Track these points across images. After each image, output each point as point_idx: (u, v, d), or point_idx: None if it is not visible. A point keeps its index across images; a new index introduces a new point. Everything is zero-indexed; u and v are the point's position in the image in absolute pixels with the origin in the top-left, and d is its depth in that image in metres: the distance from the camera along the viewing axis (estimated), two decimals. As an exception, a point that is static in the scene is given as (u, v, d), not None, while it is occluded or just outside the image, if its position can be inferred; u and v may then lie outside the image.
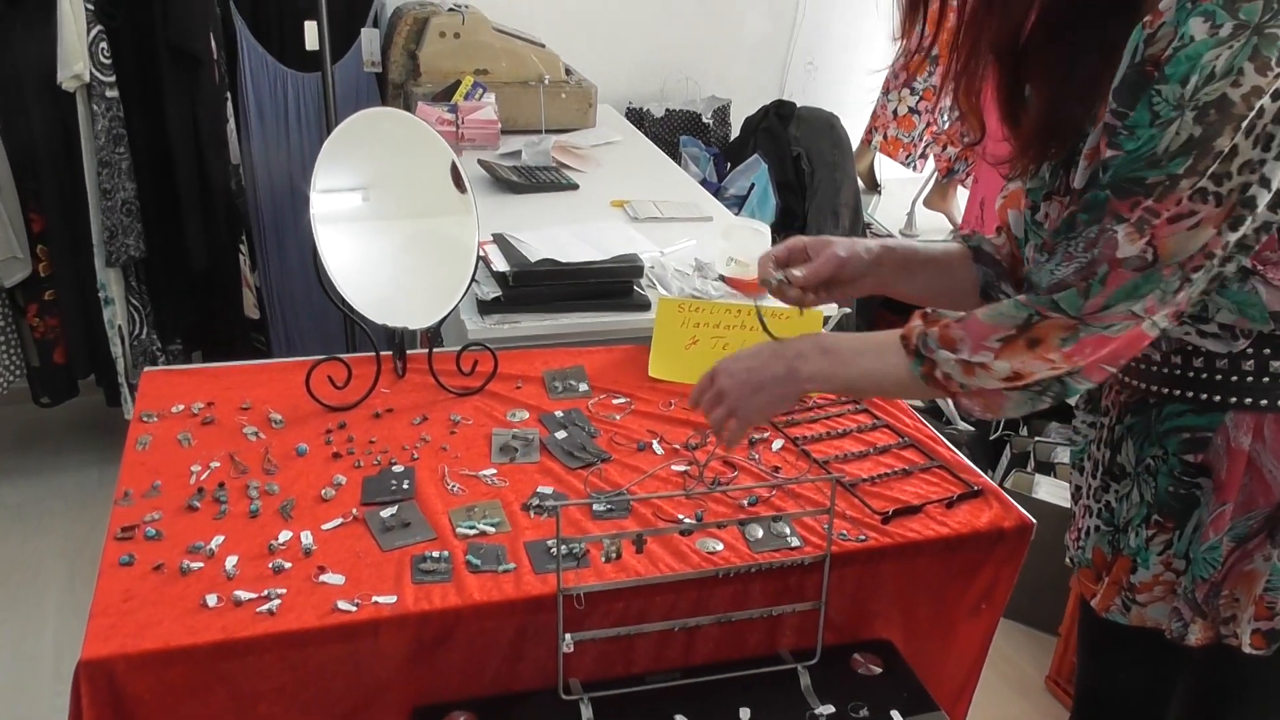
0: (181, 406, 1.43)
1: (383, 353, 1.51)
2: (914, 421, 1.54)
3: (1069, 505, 2.20)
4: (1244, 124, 0.78)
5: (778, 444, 1.45)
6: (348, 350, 2.50)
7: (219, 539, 1.16)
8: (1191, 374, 0.95)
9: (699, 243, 2.06)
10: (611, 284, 1.75)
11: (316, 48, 2.56)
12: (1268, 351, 0.91)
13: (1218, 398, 0.94)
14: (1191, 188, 0.81)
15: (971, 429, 2.63)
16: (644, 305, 1.76)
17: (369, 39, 2.83)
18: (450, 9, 2.77)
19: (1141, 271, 0.84)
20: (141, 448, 1.33)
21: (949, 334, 0.96)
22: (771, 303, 1.78)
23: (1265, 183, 0.81)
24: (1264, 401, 0.92)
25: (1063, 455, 2.41)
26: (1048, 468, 2.40)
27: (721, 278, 1.87)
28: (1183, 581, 0.99)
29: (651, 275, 1.84)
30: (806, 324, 1.63)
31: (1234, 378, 0.93)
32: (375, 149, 1.50)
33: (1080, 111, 0.92)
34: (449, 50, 2.73)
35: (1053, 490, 2.27)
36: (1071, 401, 1.05)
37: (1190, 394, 0.96)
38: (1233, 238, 0.83)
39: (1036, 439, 2.49)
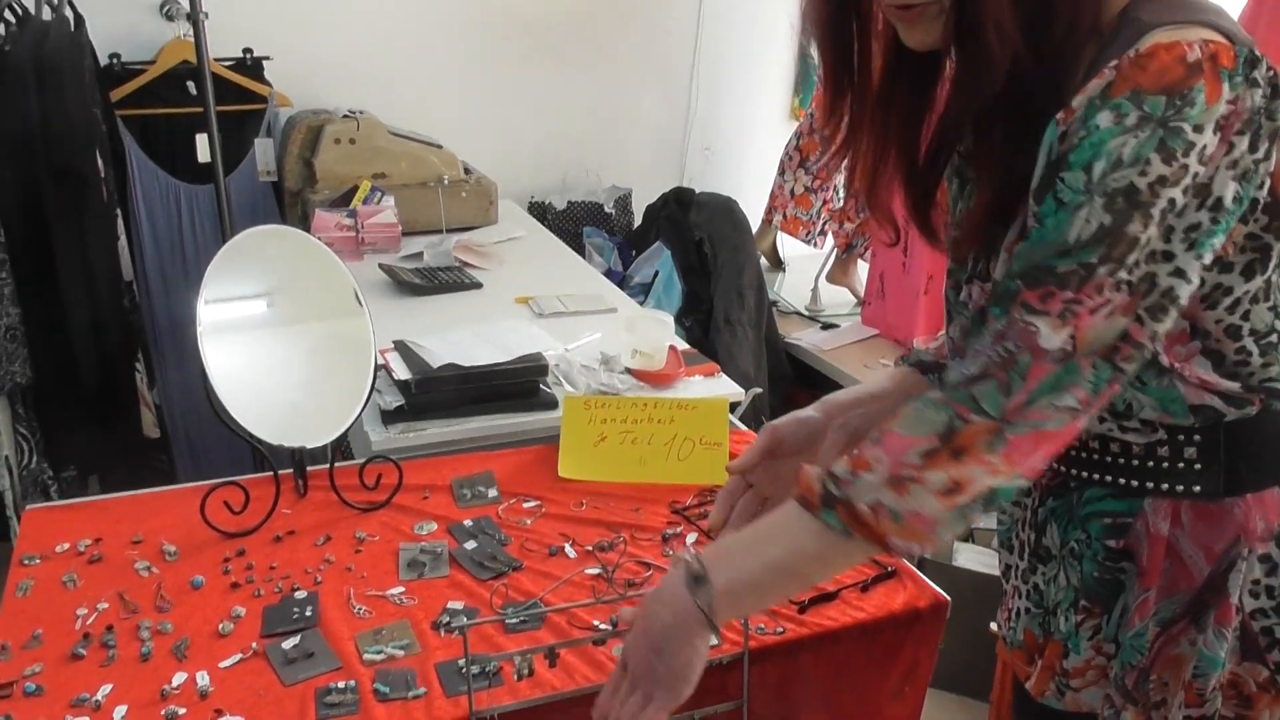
0: (66, 545, 1.36)
1: (282, 471, 1.47)
2: (825, 503, 1.54)
3: (991, 573, 2.23)
4: (1154, 213, 0.78)
5: (691, 537, 1.44)
6: (256, 465, 2.42)
7: (106, 688, 1.10)
8: (1109, 459, 0.96)
9: (604, 335, 2.06)
10: (517, 385, 1.73)
11: (209, 160, 2.54)
12: (1181, 438, 0.92)
13: (1135, 483, 0.95)
14: (1111, 275, 0.79)
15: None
16: (551, 404, 1.75)
17: (263, 149, 2.81)
18: (345, 115, 2.78)
19: (1062, 363, 0.80)
20: (22, 594, 1.26)
21: (861, 458, 0.83)
22: (680, 392, 1.79)
23: (1181, 274, 0.81)
24: (1180, 488, 0.93)
25: (979, 520, 2.44)
26: (965, 535, 2.43)
27: (628, 370, 1.88)
28: (1114, 667, 0.99)
29: (557, 372, 1.83)
30: (712, 410, 1.64)
31: (1150, 463, 0.94)
32: (265, 264, 1.48)
33: (1020, 207, 0.90)
34: (345, 156, 2.73)
35: (972, 557, 2.29)
36: None
37: (1109, 478, 0.96)
38: (1159, 328, 0.82)
39: (951, 505, 2.52)
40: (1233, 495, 0.92)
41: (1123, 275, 0.79)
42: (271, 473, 1.46)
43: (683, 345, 2.03)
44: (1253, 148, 0.81)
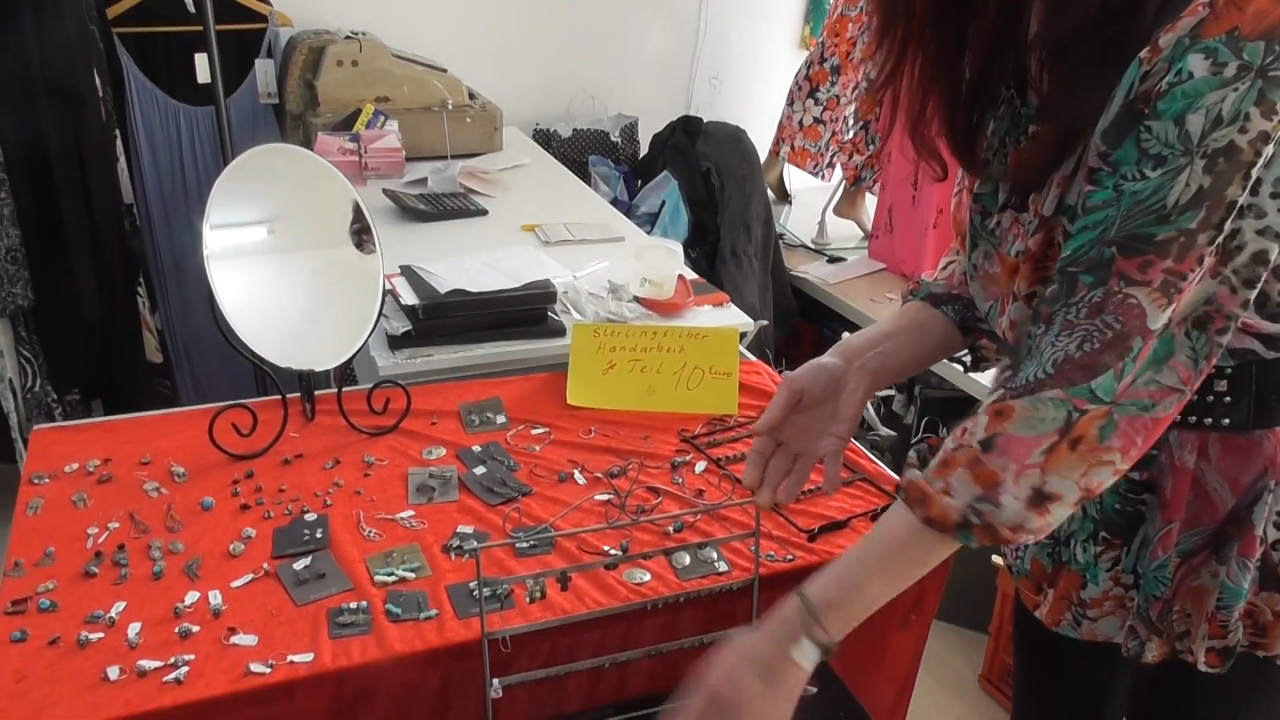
0: (76, 465, 1.35)
1: (290, 395, 1.46)
2: (835, 434, 1.54)
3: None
4: (1254, 173, 0.75)
5: (700, 466, 1.44)
6: (259, 390, 2.43)
7: (120, 605, 1.10)
8: None
9: (612, 264, 2.04)
10: (525, 312, 1.72)
11: (209, 80, 2.48)
12: (1212, 374, 0.90)
13: None
14: (1211, 243, 0.76)
15: (893, 434, 2.66)
16: (559, 331, 1.73)
17: (263, 70, 2.75)
18: (347, 36, 2.72)
19: (1162, 335, 0.78)
20: (33, 512, 1.26)
21: (983, 472, 0.80)
22: (688, 321, 1.78)
23: (1272, 234, 0.78)
24: (1208, 420, 0.91)
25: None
26: (968, 468, 2.43)
27: (636, 299, 1.86)
28: (1135, 599, 0.99)
29: (565, 300, 1.82)
30: (722, 340, 1.63)
31: None
32: (270, 186, 1.45)
33: (1077, 142, 0.86)
34: (348, 79, 2.68)
35: (974, 490, 2.30)
36: None
37: None
38: (1251, 295, 0.80)
39: (955, 440, 2.52)
40: (1262, 428, 0.91)
41: (1217, 238, 0.76)
42: (279, 396, 1.45)
43: (691, 275, 2.01)
44: None
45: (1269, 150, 0.75)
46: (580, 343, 1.62)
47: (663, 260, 1.90)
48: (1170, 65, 0.75)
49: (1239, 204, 0.76)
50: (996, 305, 0.99)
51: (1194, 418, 0.92)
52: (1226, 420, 0.91)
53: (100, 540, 1.21)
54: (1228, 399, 0.91)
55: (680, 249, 1.96)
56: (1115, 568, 0.99)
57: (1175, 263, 0.76)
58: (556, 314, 1.77)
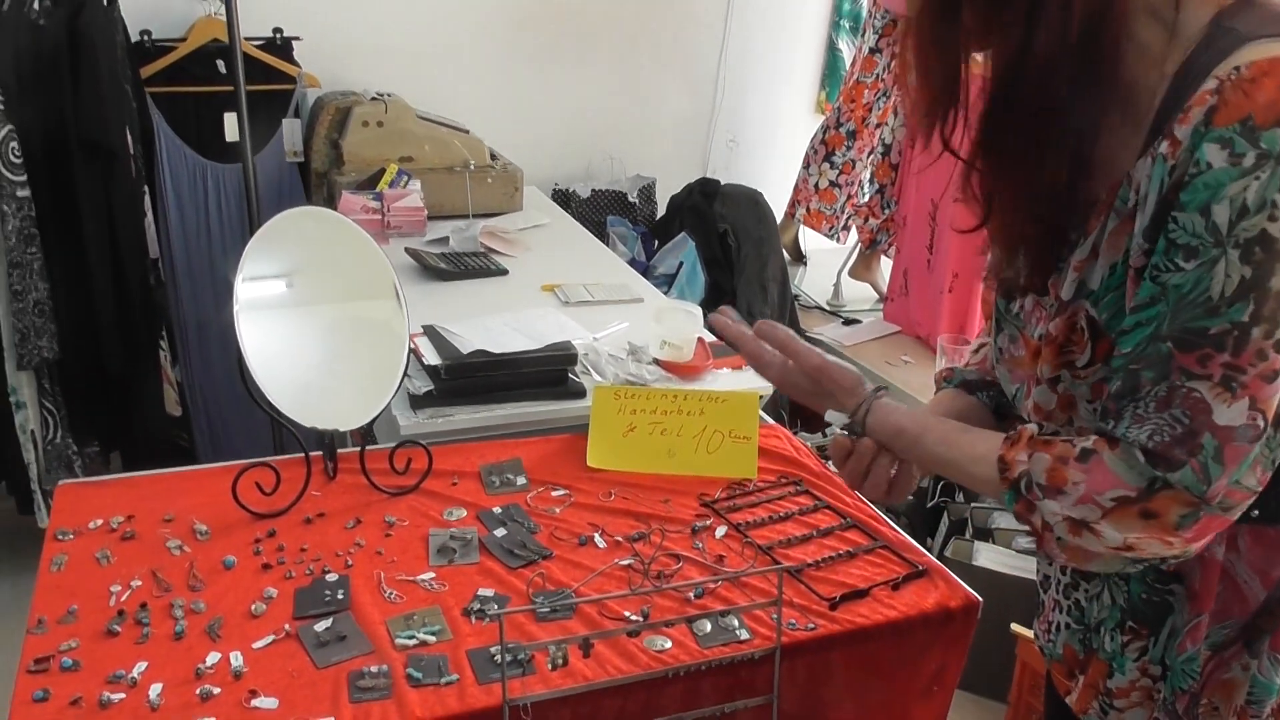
0: (100, 521, 1.36)
1: (312, 453, 1.47)
2: (854, 500, 1.54)
3: (1010, 573, 2.23)
4: None
5: (721, 531, 1.44)
6: (276, 445, 2.44)
7: (141, 665, 1.10)
8: None
9: (631, 325, 2.06)
10: (546, 373, 1.73)
11: (237, 139, 2.54)
12: None
13: None
14: (1268, 338, 0.75)
15: (910, 499, 2.65)
16: (579, 393, 1.74)
17: (290, 129, 2.81)
18: (373, 98, 2.77)
19: (1259, 438, 0.77)
20: (56, 569, 1.26)
21: (1061, 474, 0.83)
22: (708, 384, 1.79)
23: None
24: None
25: (1000, 520, 2.43)
26: (985, 534, 2.42)
27: (656, 361, 1.87)
28: (1161, 690, 0.98)
29: (585, 362, 1.83)
30: (742, 403, 1.63)
31: None
32: (299, 247, 1.47)
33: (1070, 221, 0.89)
34: (372, 138, 2.73)
35: (992, 556, 2.29)
36: None
37: None
38: None
39: (973, 504, 2.52)
40: None
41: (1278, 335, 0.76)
42: (302, 454, 1.46)
43: (710, 337, 2.02)
44: None
45: None
46: (601, 405, 1.63)
47: (682, 323, 1.92)
48: (1192, 155, 0.76)
49: None
50: (1022, 389, 0.99)
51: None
52: (1256, 512, 0.90)
53: (123, 598, 1.21)
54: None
55: (699, 311, 1.97)
56: (1143, 658, 0.98)
57: (1232, 356, 0.77)
58: (577, 375, 1.78)
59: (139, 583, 1.24)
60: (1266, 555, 0.91)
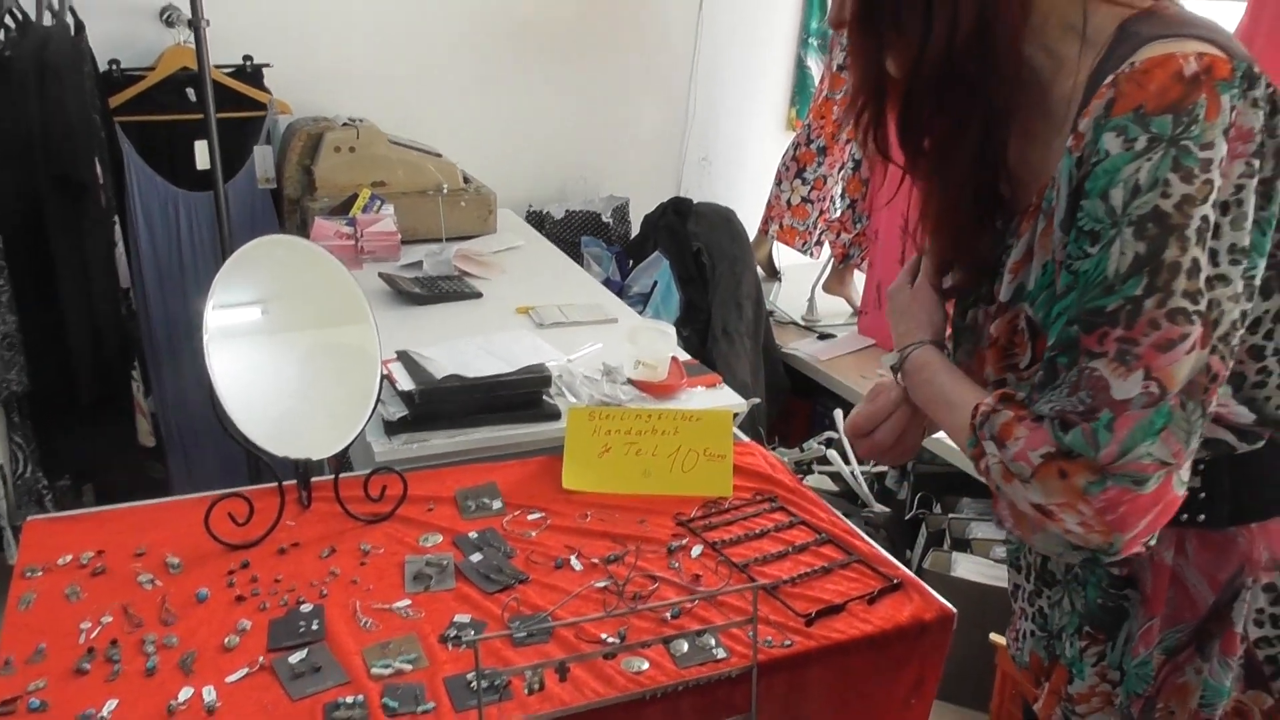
0: (69, 557, 1.35)
1: (286, 482, 1.46)
2: (829, 516, 1.54)
3: (989, 583, 2.24)
4: (1191, 235, 0.77)
5: (697, 550, 1.44)
6: (251, 475, 2.42)
7: (112, 704, 1.09)
8: None
9: (605, 346, 2.06)
10: (520, 395, 1.73)
11: (208, 167, 2.53)
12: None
13: None
14: (1160, 307, 0.78)
15: (887, 510, 2.66)
16: (554, 415, 1.74)
17: (262, 156, 2.80)
18: (345, 123, 2.78)
19: (1152, 407, 0.78)
20: (24, 607, 1.25)
21: (1010, 428, 0.86)
22: (682, 403, 1.79)
23: (1241, 298, 0.80)
24: (1184, 516, 0.91)
25: (977, 530, 2.44)
26: (964, 544, 2.43)
27: (630, 381, 1.88)
28: (1119, 695, 0.99)
29: (560, 383, 1.83)
30: (716, 422, 1.64)
31: None
32: (270, 275, 1.47)
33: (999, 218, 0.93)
34: (345, 164, 2.73)
35: (970, 567, 2.30)
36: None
37: None
38: (1232, 359, 0.82)
39: (950, 515, 2.53)
40: (1237, 524, 0.91)
41: (1177, 304, 0.77)
42: (275, 483, 1.45)
43: (684, 356, 2.03)
44: (1260, 168, 0.81)
45: (1203, 214, 0.77)
46: (575, 427, 1.63)
47: (656, 342, 1.92)
48: (1095, 146, 0.80)
49: (1188, 268, 0.77)
50: None
51: None
52: (1202, 517, 0.92)
53: (93, 635, 1.20)
54: (1203, 495, 0.91)
55: (673, 331, 1.98)
56: (1101, 663, 0.99)
57: (1125, 330, 0.79)
58: (551, 397, 1.78)
59: (109, 619, 1.23)
60: (1213, 559, 0.92)
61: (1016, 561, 1.11)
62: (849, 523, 1.53)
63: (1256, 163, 0.81)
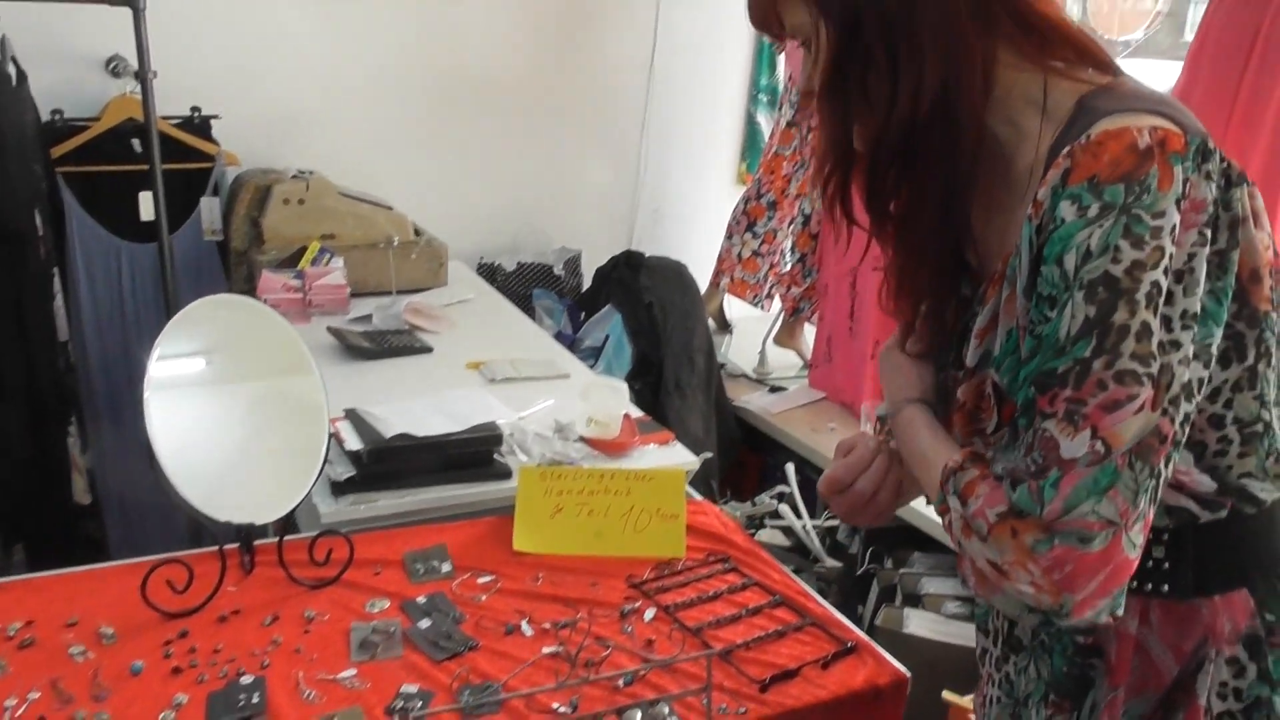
0: (-4, 629, 1.29)
1: (228, 546, 1.42)
2: (783, 577, 1.54)
3: (940, 639, 2.24)
4: (1140, 299, 0.79)
5: (650, 613, 1.42)
6: (192, 537, 2.35)
7: (38, 787, 1.04)
8: None
9: (557, 402, 2.05)
10: (471, 454, 1.71)
11: (152, 218, 2.49)
12: (1150, 538, 0.90)
13: None
14: (1108, 369, 0.79)
15: (839, 565, 2.66)
16: (505, 474, 1.72)
17: (208, 208, 2.77)
18: (294, 175, 2.75)
19: (1097, 465, 0.79)
20: (-53, 683, 1.19)
21: (973, 485, 0.87)
22: (634, 461, 1.78)
23: (1192, 363, 0.82)
24: (1148, 586, 0.92)
25: (929, 585, 2.45)
26: (915, 599, 2.43)
27: (582, 439, 1.86)
28: None
29: (511, 441, 1.81)
30: (668, 481, 1.63)
31: None
32: (214, 334, 1.44)
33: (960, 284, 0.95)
34: (294, 216, 2.70)
35: (923, 623, 2.30)
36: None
37: None
38: (1185, 425, 0.83)
39: (902, 571, 2.53)
40: (1201, 596, 0.92)
41: (1125, 366, 0.78)
42: (216, 547, 1.41)
43: (637, 413, 2.02)
44: (1214, 239, 0.83)
45: (1153, 279, 0.79)
46: (527, 487, 1.61)
47: (608, 399, 1.91)
48: (1052, 215, 0.82)
49: (1136, 330, 0.79)
50: None
51: (1134, 583, 0.93)
52: (1166, 587, 0.92)
53: (18, 714, 1.14)
54: (1166, 565, 0.92)
55: (625, 388, 1.98)
56: None
57: (1074, 390, 0.80)
58: (503, 455, 1.76)
59: (37, 694, 1.18)
60: (1178, 630, 0.93)
61: (985, 625, 1.11)
62: (803, 584, 1.53)
63: (1209, 232, 0.83)
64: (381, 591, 1.43)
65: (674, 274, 3.12)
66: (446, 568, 1.50)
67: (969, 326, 0.96)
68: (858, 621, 2.00)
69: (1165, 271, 0.80)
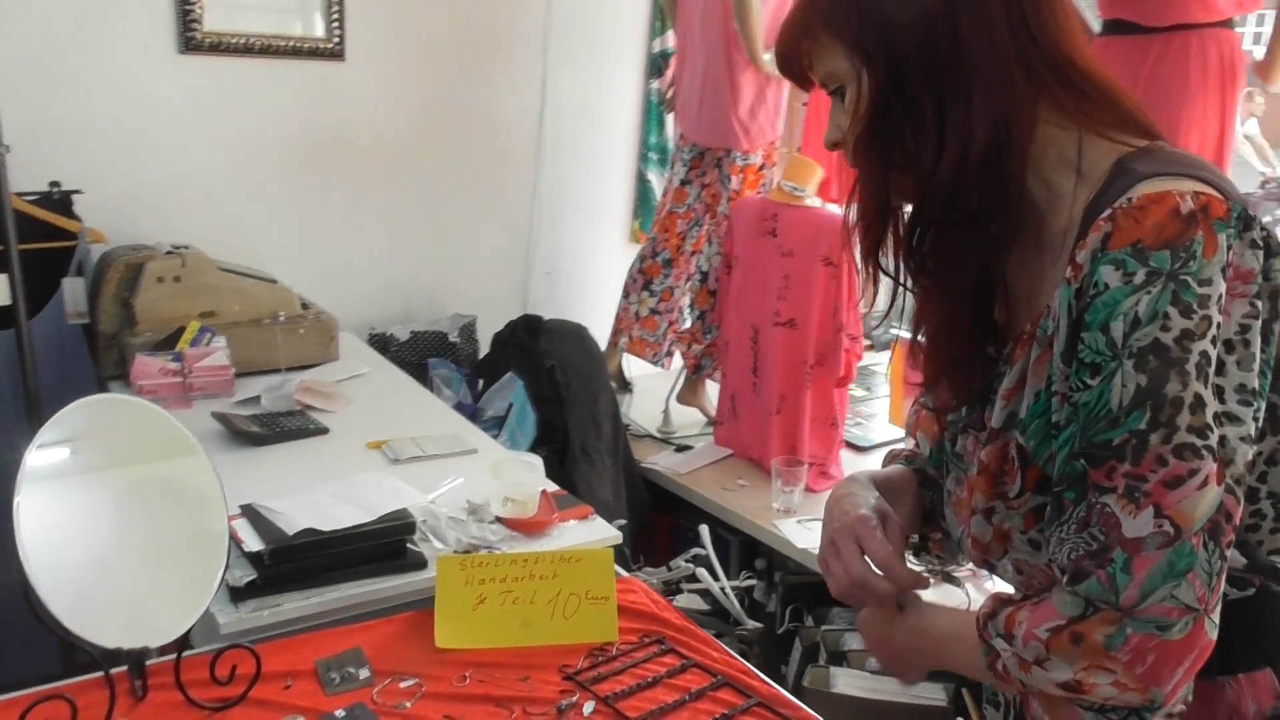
0: None
1: (115, 670, 1.27)
2: (723, 655, 1.47)
3: (867, 696, 2.21)
4: (1191, 370, 0.77)
5: (589, 706, 1.34)
6: (70, 662, 2.14)
7: None
8: None
9: (467, 480, 1.95)
10: (382, 546, 1.60)
11: (9, 302, 2.31)
12: None
13: None
14: (1166, 443, 0.77)
15: (760, 626, 2.61)
16: (420, 564, 1.62)
17: (72, 289, 2.57)
18: (169, 251, 2.59)
19: (1169, 546, 0.77)
20: None
21: (1012, 617, 0.85)
22: (554, 540, 1.69)
23: (1250, 439, 0.80)
24: None
25: (852, 642, 2.42)
26: (839, 657, 2.41)
27: (499, 519, 1.77)
28: None
29: (424, 528, 1.71)
30: (596, 562, 1.56)
31: None
32: (89, 442, 1.31)
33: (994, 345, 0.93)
34: (169, 295, 2.54)
35: (850, 682, 2.26)
36: None
37: None
38: (1243, 501, 0.81)
39: (824, 628, 2.50)
40: (1225, 674, 0.90)
41: (1183, 440, 0.76)
42: (101, 673, 1.26)
43: (554, 487, 1.94)
44: (1262, 308, 0.82)
45: (1201, 349, 0.77)
46: (446, 578, 1.51)
47: (524, 476, 1.83)
48: (1092, 278, 0.80)
49: (1190, 403, 0.77)
50: (965, 530, 0.99)
51: None
52: None
53: None
54: None
55: (540, 462, 1.90)
56: None
57: (1132, 465, 0.78)
58: (416, 543, 1.66)
59: None
60: (1201, 708, 0.89)
61: (994, 699, 1.07)
62: (744, 662, 1.47)
63: (1259, 304, 0.81)
64: (294, 707, 1.30)
65: (575, 336, 3.06)
66: (365, 674, 1.38)
67: (993, 386, 0.93)
68: (782, 682, 1.95)
69: (1213, 341, 0.78)
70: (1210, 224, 0.79)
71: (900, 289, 0.99)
